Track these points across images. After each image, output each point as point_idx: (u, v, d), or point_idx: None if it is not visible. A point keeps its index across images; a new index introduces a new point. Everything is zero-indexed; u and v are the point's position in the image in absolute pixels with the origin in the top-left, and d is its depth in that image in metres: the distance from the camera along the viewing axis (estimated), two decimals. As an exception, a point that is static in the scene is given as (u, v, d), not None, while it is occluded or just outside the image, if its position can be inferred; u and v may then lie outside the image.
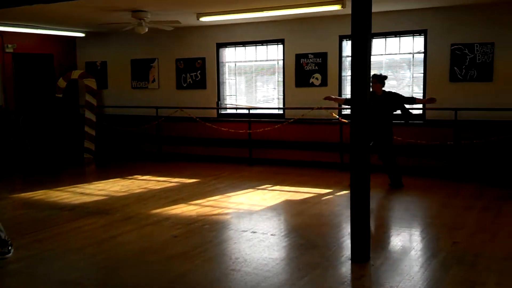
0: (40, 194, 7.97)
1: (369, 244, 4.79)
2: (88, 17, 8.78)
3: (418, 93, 9.02)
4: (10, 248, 5.05)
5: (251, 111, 10.34)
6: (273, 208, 6.82)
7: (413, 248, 5.16)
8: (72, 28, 10.72)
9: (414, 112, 9.09)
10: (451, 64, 8.57)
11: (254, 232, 5.72)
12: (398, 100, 7.73)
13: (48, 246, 5.39)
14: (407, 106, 7.88)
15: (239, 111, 10.67)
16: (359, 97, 4.54)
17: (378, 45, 9.23)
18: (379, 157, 7.84)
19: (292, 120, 9.64)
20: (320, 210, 6.67)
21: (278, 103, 10.25)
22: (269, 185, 8.30)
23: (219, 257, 5.04)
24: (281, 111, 10.15)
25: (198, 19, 8.70)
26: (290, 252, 5.16)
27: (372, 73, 7.78)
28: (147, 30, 8.55)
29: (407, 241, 5.45)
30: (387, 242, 5.32)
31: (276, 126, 9.76)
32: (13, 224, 6.31)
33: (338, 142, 9.42)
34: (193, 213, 6.66)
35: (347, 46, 9.41)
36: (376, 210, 6.53)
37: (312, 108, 9.38)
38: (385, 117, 7.74)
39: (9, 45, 10.50)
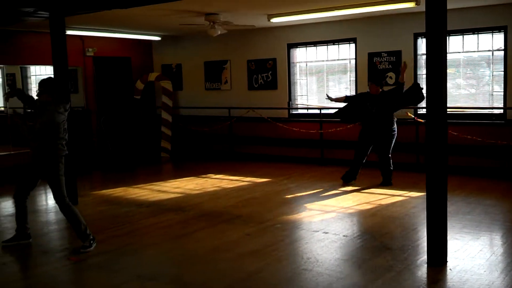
0: (119, 191, 8.34)
1: (446, 247, 4.63)
2: (163, 21, 9.06)
3: (499, 92, 8.60)
4: (92, 242, 5.33)
5: (323, 111, 10.27)
6: (345, 209, 6.75)
7: (493, 253, 4.93)
8: (149, 32, 11.11)
9: (495, 111, 8.71)
10: (535, 61, 8.11)
11: (326, 233, 5.69)
12: (391, 93, 8.02)
13: (126, 241, 5.64)
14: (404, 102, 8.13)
15: (310, 111, 10.64)
16: (436, 96, 4.41)
17: (455, 43, 8.89)
18: (378, 155, 8.22)
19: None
20: (395, 212, 6.52)
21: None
22: (341, 186, 8.21)
23: (291, 256, 5.06)
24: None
25: (269, 20, 8.76)
26: (363, 254, 5.08)
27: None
28: (219, 33, 8.71)
29: (486, 246, 5.23)
30: (466, 246, 5.12)
31: (349, 126, 9.63)
32: (94, 220, 6.66)
33: (414, 142, 9.16)
34: (265, 211, 6.72)
35: (422, 44, 9.13)
36: (454, 213, 6.29)
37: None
38: (384, 116, 7.97)
39: (90, 49, 11.05)
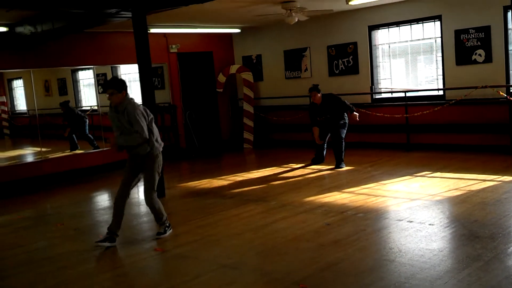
0: (204, 183, 8.56)
1: (541, 236, 4.30)
2: (241, 13, 9.13)
3: None
4: (166, 229, 5.55)
5: (408, 94, 9.89)
6: (432, 196, 6.46)
7: None
8: (229, 25, 11.26)
9: None
10: None
11: (411, 222, 5.48)
12: (338, 104, 8.72)
13: (210, 231, 5.78)
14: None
15: (394, 94, 10.28)
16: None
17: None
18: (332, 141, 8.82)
19: (453, 101, 9.01)
20: (485, 199, 6.15)
21: (438, 83, 9.65)
22: (429, 172, 7.87)
23: (372, 246, 4.93)
24: (441, 92, 9.54)
25: (347, 3, 8.54)
26: (450, 243, 4.85)
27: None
28: (297, 20, 8.63)
29: None
30: None
31: (436, 109, 9.21)
32: (179, 211, 6.92)
33: (507, 123, 8.59)
34: (347, 201, 6.61)
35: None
36: (553, 198, 5.83)
37: (476, 87, 8.68)
38: (334, 118, 8.76)
39: (173, 46, 11.40)
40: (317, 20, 10.63)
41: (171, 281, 4.48)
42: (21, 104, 14.24)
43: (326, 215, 6.03)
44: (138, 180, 5.59)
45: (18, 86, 14.46)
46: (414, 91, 9.99)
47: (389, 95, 10.41)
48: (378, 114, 10.02)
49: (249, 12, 9.00)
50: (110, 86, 5.15)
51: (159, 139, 5.51)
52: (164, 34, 11.10)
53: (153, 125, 5.46)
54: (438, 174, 7.72)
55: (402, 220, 5.57)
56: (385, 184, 7.40)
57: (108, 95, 5.19)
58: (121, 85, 5.18)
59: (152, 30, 10.20)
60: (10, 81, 14.09)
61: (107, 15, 7.13)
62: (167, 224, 5.65)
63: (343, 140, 8.82)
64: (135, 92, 12.22)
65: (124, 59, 10.75)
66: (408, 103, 9.75)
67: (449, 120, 9.33)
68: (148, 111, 5.45)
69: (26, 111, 13.61)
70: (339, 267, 4.42)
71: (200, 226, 6.05)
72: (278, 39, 11.76)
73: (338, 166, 8.74)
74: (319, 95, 8.78)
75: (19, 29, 7.74)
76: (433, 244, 4.79)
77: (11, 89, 14.37)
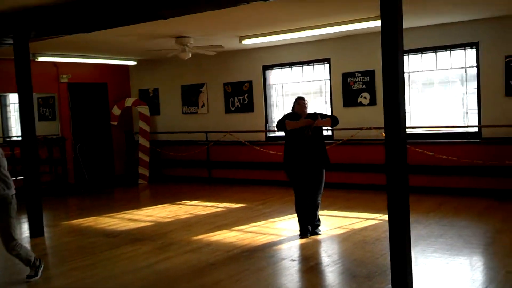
0: (90, 221, 8.13)
1: (411, 275, 4.47)
2: (134, 45, 8.99)
3: (473, 110, 8.55)
4: (37, 270, 5.19)
5: (299, 133, 10.15)
6: (318, 235, 6.56)
7: (462, 279, 4.78)
8: (124, 56, 11.03)
9: (470, 130, 8.64)
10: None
11: (293, 260, 5.52)
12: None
13: (87, 273, 5.43)
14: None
15: (287, 133, 10.51)
16: (393, 115, 4.30)
17: (428, 60, 8.86)
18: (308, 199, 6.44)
19: (341, 141, 9.38)
20: (366, 237, 6.35)
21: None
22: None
23: (253, 286, 4.87)
24: (330, 132, 9.90)
25: (240, 42, 8.70)
26: (328, 282, 4.91)
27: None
28: (190, 56, 8.64)
29: (456, 271, 5.06)
30: (435, 271, 4.96)
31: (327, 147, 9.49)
32: (58, 251, 6.48)
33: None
34: (235, 239, 6.54)
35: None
36: (427, 236, 6.15)
37: (361, 129, 9.11)
38: (317, 144, 6.37)
39: (64, 75, 10.94)
40: (214, 57, 10.71)
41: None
42: None
43: (212, 254, 5.91)
44: None
45: None
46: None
47: (282, 133, 10.60)
48: (271, 152, 10.18)
49: (142, 45, 8.88)
50: None
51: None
52: (55, 63, 10.63)
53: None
54: (324, 212, 7.90)
55: (286, 259, 5.60)
56: (274, 221, 7.45)
57: None
58: None
59: (41, 59, 9.74)
60: None
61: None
62: (38, 264, 5.22)
63: None
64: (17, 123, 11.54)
65: (11, 88, 10.08)
66: (300, 142, 10.00)
67: (337, 159, 9.66)
68: None
69: None
70: (217, 310, 4.31)
71: (76, 267, 5.67)
72: (175, 73, 11.70)
73: (315, 230, 6.51)
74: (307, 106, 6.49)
75: None
76: (313, 283, 4.83)
77: None
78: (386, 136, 4.41)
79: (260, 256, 5.77)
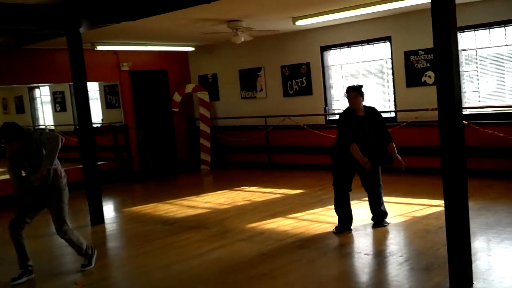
0: (150, 208, 8.25)
1: (470, 267, 4.14)
2: (189, 31, 8.95)
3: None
4: (91, 259, 5.30)
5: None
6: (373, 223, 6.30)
7: (530, 273, 4.39)
8: (182, 43, 11.06)
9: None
10: None
11: (347, 250, 5.31)
12: (382, 124, 5.90)
13: (140, 262, 5.50)
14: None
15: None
16: (448, 94, 3.97)
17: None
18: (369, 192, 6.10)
19: (404, 123, 8.94)
20: (428, 225, 6.00)
21: (390, 105, 9.58)
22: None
23: (304, 279, 4.71)
24: (392, 114, 9.47)
25: (294, 23, 8.44)
26: (382, 274, 4.66)
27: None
28: (243, 40, 8.48)
29: (524, 264, 4.67)
30: (500, 264, 4.59)
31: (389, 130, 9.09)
32: (115, 239, 6.61)
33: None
34: (289, 227, 6.39)
35: (460, 39, 8.47)
36: (494, 224, 5.71)
37: (426, 109, 8.62)
38: (379, 147, 5.83)
39: (125, 64, 11.11)
40: (270, 39, 10.52)
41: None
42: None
43: (264, 243, 5.80)
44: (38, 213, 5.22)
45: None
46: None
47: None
48: (331, 136, 9.87)
49: (197, 31, 8.81)
50: (3, 136, 4.78)
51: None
52: (115, 52, 10.82)
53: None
54: (385, 198, 7.52)
55: (340, 248, 5.39)
56: (331, 209, 7.13)
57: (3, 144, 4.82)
58: (15, 133, 4.79)
59: (100, 47, 9.93)
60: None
61: (44, 35, 6.85)
62: (90, 253, 5.32)
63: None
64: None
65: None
66: (361, 125, 9.64)
67: (400, 142, 9.22)
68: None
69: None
70: (263, 303, 4.20)
71: (130, 256, 5.77)
72: (233, 58, 11.60)
73: (380, 223, 6.12)
74: (363, 102, 5.81)
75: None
76: (364, 276, 4.61)
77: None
78: (440, 117, 4.08)
79: (313, 246, 5.59)
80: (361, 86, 5.84)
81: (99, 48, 9.92)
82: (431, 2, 3.94)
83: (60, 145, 4.86)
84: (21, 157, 4.88)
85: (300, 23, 8.47)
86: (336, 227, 6.01)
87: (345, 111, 5.95)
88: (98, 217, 7.27)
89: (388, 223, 6.13)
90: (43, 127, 14.11)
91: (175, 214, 7.64)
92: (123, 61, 11.07)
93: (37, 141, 4.84)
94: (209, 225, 6.79)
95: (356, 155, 5.66)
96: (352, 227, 5.98)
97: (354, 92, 5.73)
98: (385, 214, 6.18)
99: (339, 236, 5.83)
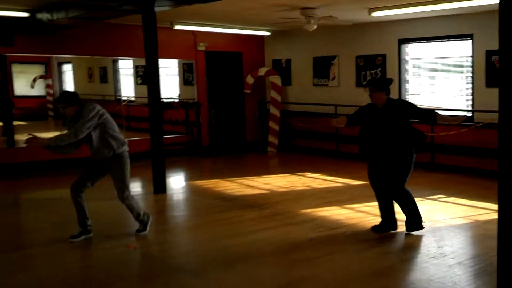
0: (212, 183, 8.49)
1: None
2: (263, 16, 9.00)
3: None
4: (146, 225, 5.57)
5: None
6: (433, 222, 6.05)
7: None
8: (258, 27, 11.14)
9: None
10: None
11: (394, 247, 5.21)
12: (409, 111, 5.52)
13: (189, 234, 5.77)
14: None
15: (421, 112, 9.86)
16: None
17: None
18: (381, 194, 5.68)
19: (481, 124, 8.55)
20: (488, 231, 5.73)
21: (467, 104, 9.19)
22: (443, 196, 7.47)
23: (346, 269, 4.69)
24: (469, 113, 9.08)
25: (369, 14, 8.26)
26: (426, 275, 4.55)
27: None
28: (315, 28, 8.42)
29: None
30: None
31: (463, 130, 8.76)
32: (173, 209, 6.88)
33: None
34: (342, 217, 6.35)
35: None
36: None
37: (504, 112, 8.18)
38: (392, 137, 5.42)
39: (201, 44, 11.40)
40: (346, 29, 10.36)
41: (120, 281, 4.41)
42: (68, 87, 14.67)
43: (314, 229, 5.82)
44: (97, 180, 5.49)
45: (67, 70, 14.95)
46: (442, 110, 9.53)
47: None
48: (401, 130, 9.64)
49: (271, 16, 8.83)
50: (60, 101, 5.08)
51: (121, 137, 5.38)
52: (193, 32, 11.10)
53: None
54: (451, 199, 7.32)
55: (390, 244, 5.31)
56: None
57: (61, 109, 5.11)
58: (72, 99, 5.09)
59: (178, 27, 10.23)
60: (60, 64, 14.60)
61: (115, 8, 7.14)
62: (146, 220, 5.58)
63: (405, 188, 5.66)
64: (166, 86, 12.34)
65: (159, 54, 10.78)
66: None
67: (474, 143, 8.86)
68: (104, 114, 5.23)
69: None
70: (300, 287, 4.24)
71: (184, 226, 6.01)
72: (308, 45, 11.55)
73: (412, 227, 5.61)
74: (380, 94, 5.45)
75: (39, 16, 7.95)
76: (409, 274, 4.52)
77: (61, 73, 14.89)
78: (500, 119, 3.86)
79: (362, 238, 5.53)
80: (378, 80, 5.75)
81: (177, 27, 10.23)
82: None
83: (72, 140, 5.01)
84: (72, 124, 5.17)
85: (376, 14, 8.29)
86: (374, 226, 5.77)
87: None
88: (160, 187, 7.58)
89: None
90: (125, 98, 14.69)
91: (234, 192, 7.81)
92: (200, 41, 11.36)
93: (80, 113, 5.08)
94: (264, 206, 6.89)
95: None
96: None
97: (370, 87, 5.53)
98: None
99: (393, 232, 5.72)
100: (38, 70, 14.35)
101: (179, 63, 12.46)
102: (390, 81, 5.67)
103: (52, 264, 4.80)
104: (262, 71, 12.01)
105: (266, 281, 4.35)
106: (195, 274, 4.52)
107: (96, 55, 10.83)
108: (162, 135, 7.59)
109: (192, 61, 11.64)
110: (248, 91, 12.12)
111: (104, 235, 5.54)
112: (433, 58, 9.59)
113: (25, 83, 13.97)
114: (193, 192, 7.91)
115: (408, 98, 10.10)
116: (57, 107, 5.14)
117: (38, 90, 14.03)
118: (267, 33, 11.64)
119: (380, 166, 5.57)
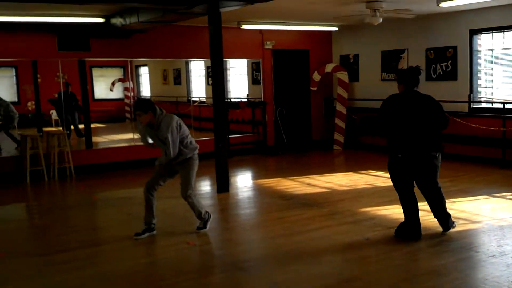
0: (274, 182, 8.56)
1: None
2: (329, 11, 8.93)
3: None
4: (206, 223, 5.74)
5: (507, 106, 8.98)
6: (497, 221, 5.83)
7: None
8: (325, 23, 11.07)
9: None
10: None
11: (449, 246, 5.04)
12: (433, 108, 5.21)
13: (247, 232, 5.85)
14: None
15: (494, 105, 9.40)
16: None
17: None
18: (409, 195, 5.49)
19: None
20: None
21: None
22: (511, 194, 7.12)
23: (398, 268, 4.61)
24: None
25: (438, 5, 7.96)
26: (486, 275, 4.37)
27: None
28: (381, 21, 8.25)
29: None
30: None
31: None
32: (233, 208, 7.03)
33: None
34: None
35: None
36: None
37: None
38: (421, 131, 5.17)
39: (268, 42, 11.48)
40: (415, 21, 10.04)
41: (180, 276, 4.58)
42: (145, 90, 15.39)
43: (372, 228, 5.75)
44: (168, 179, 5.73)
45: (144, 73, 15.66)
46: (516, 104, 9.05)
47: (488, 105, 9.54)
48: (473, 125, 9.25)
49: (335, 9, 8.73)
50: (136, 109, 5.36)
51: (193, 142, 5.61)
52: (260, 31, 11.22)
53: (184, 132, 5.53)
54: (517, 195, 6.96)
55: (444, 243, 5.14)
56: (454, 202, 6.81)
57: (137, 116, 5.39)
58: (146, 107, 5.33)
59: (245, 26, 10.39)
60: (137, 67, 15.32)
61: (180, 12, 7.37)
62: (206, 218, 5.77)
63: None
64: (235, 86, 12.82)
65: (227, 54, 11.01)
66: (507, 116, 8.86)
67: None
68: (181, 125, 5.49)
69: (149, 97, 14.67)
70: (349, 285, 4.22)
71: (241, 225, 6.13)
72: (375, 39, 11.31)
73: (446, 226, 5.49)
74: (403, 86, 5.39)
75: (113, 21, 8.40)
76: (463, 273, 4.36)
77: (138, 75, 15.61)
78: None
79: (421, 239, 5.39)
80: (400, 73, 5.46)
81: (244, 27, 10.39)
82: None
83: (171, 158, 5.38)
84: (148, 131, 5.47)
85: (445, 4, 7.97)
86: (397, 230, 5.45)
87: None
88: (223, 185, 7.76)
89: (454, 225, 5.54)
90: (196, 98, 15.10)
91: (294, 191, 7.85)
92: (267, 39, 11.45)
93: (158, 123, 5.34)
94: (323, 205, 6.88)
95: None
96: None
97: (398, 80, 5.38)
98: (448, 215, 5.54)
99: (451, 230, 5.53)
100: (117, 73, 15.10)
101: (247, 62, 12.64)
102: (410, 72, 5.31)
103: (117, 260, 5.08)
104: (329, 68, 11.92)
105: (316, 279, 4.36)
106: (249, 271, 4.62)
107: (168, 57, 11.20)
108: (226, 135, 7.78)
109: (257, 60, 11.76)
110: (314, 88, 12.08)
111: (166, 232, 5.77)
112: (506, 49, 9.08)
113: (104, 86, 14.77)
114: (255, 191, 8.03)
115: (480, 92, 9.68)
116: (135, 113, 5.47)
117: (117, 93, 14.77)
118: (335, 28, 11.55)
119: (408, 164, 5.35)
